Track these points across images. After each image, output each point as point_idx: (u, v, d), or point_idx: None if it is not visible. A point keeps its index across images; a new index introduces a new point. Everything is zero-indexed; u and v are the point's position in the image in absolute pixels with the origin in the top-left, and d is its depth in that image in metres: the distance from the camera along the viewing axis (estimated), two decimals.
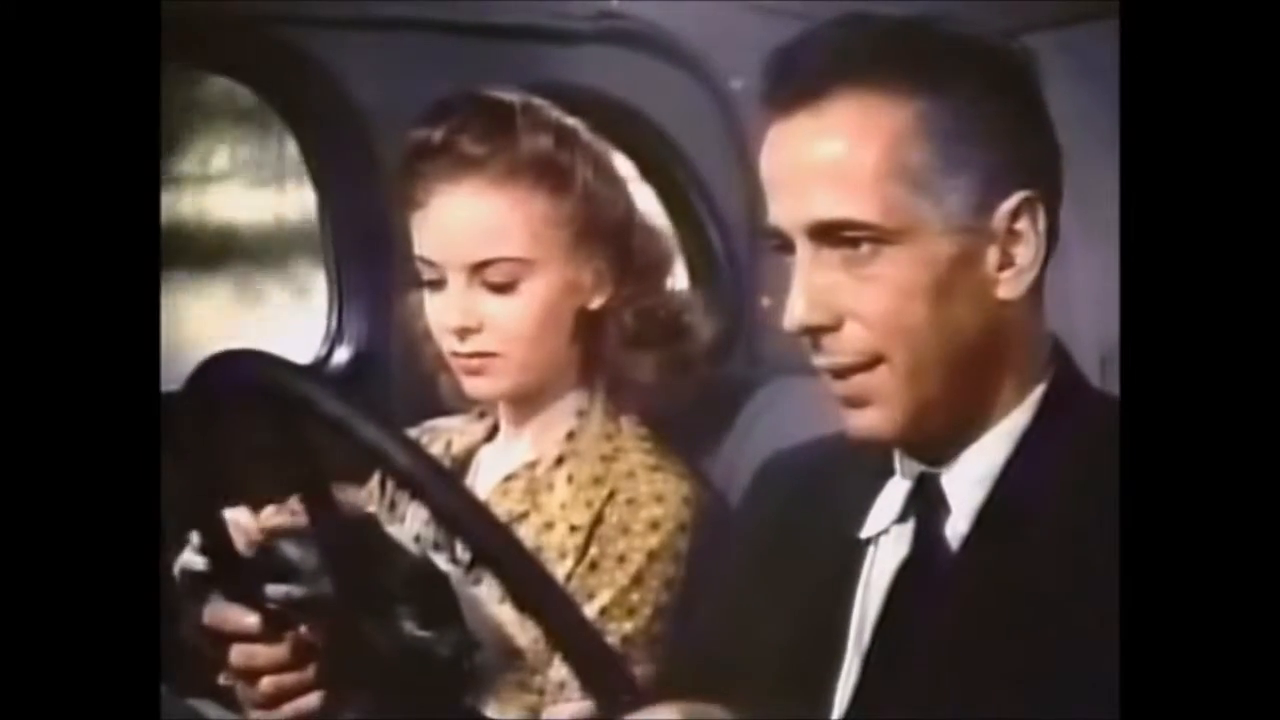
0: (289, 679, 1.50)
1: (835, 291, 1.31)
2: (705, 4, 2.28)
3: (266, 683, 1.51)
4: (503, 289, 1.76)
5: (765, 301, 2.27)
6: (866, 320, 1.31)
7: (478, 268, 1.75)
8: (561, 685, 1.65)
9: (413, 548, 1.56)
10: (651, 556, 1.72)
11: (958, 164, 1.30)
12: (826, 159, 1.30)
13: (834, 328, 1.32)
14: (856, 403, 1.33)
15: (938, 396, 1.32)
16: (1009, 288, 1.32)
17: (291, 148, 2.27)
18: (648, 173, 2.30)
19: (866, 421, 1.33)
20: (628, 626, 1.70)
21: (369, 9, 2.12)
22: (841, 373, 1.33)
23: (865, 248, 1.30)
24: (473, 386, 1.80)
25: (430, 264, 1.78)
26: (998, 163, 1.31)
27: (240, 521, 1.53)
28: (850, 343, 1.31)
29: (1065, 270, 1.37)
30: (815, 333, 1.32)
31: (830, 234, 1.30)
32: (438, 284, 1.78)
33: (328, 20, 2.11)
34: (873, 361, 1.31)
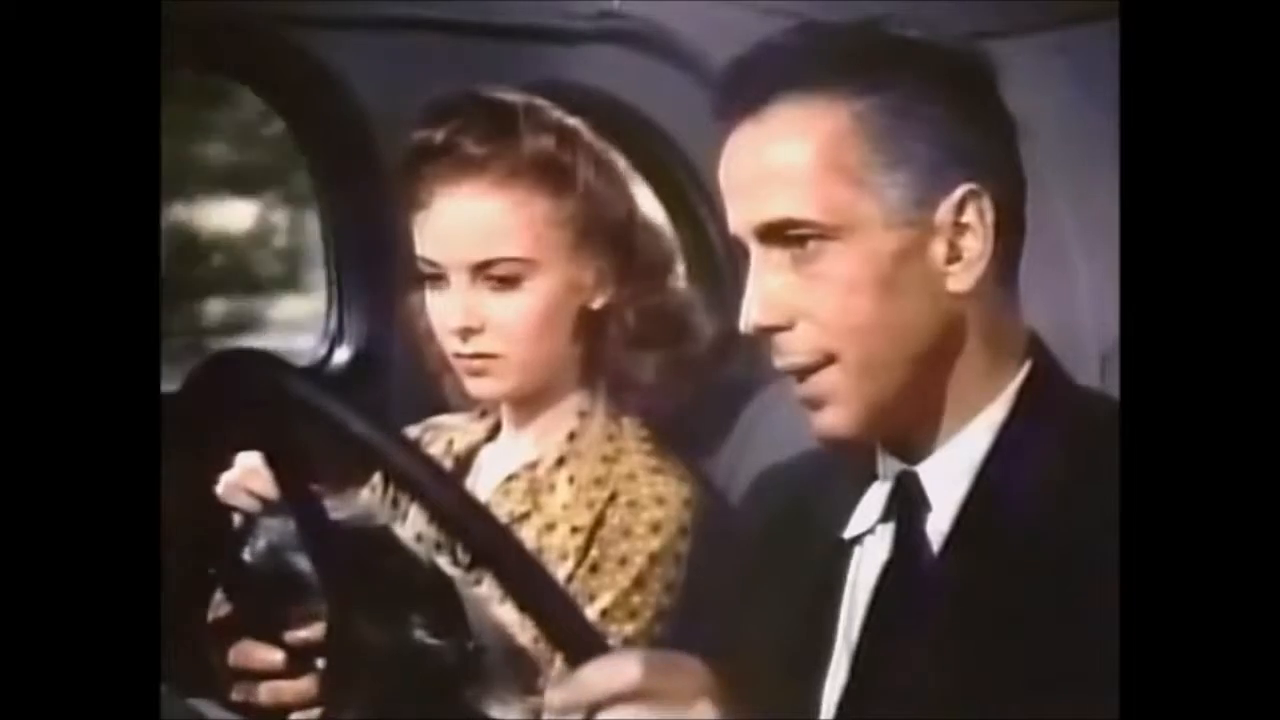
0: (316, 713, 1.51)
1: (786, 291, 1.33)
2: (705, 4, 2.27)
3: (296, 718, 1.52)
4: (505, 289, 1.76)
5: None
6: (817, 318, 1.33)
7: (480, 268, 1.75)
8: None
9: (421, 554, 1.56)
10: (653, 559, 1.72)
11: (897, 159, 1.32)
12: (767, 162, 1.33)
13: (787, 327, 1.34)
14: (816, 403, 1.35)
15: (895, 392, 1.33)
16: (958, 280, 1.33)
17: (292, 147, 2.27)
18: (647, 173, 2.29)
19: (827, 420, 1.35)
20: (629, 629, 1.70)
21: (369, 9, 2.12)
22: (799, 374, 1.34)
23: (811, 245, 1.32)
24: (475, 387, 1.80)
25: (432, 264, 1.78)
26: (939, 157, 1.32)
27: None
28: (803, 342, 1.33)
29: (1065, 270, 1.37)
30: (770, 333, 1.34)
31: (776, 234, 1.33)
32: (440, 284, 1.78)
33: (328, 20, 2.11)
34: (826, 360, 1.33)
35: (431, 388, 1.90)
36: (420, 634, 1.47)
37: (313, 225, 2.29)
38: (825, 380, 1.33)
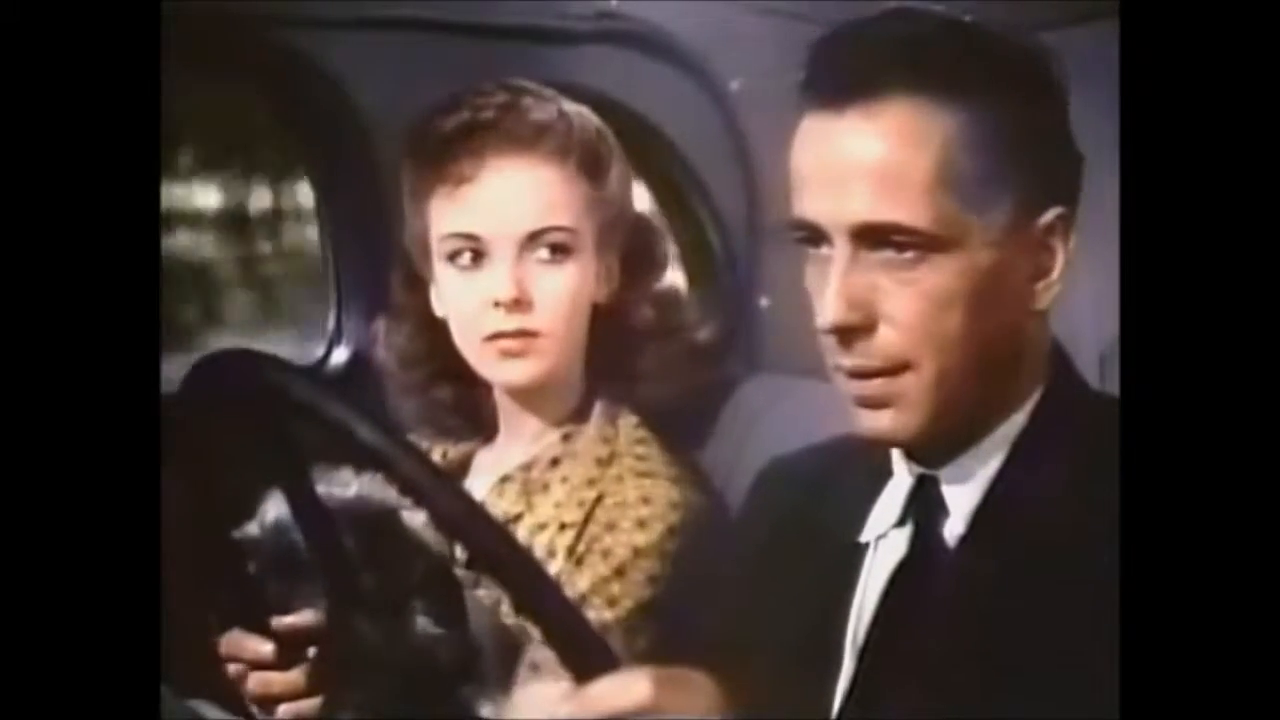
0: (305, 705, 1.50)
1: (873, 294, 1.30)
2: (705, 4, 2.27)
3: (284, 710, 1.51)
4: (552, 263, 1.77)
5: (764, 302, 2.28)
6: (901, 325, 1.29)
7: (531, 238, 1.76)
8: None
9: (429, 543, 1.55)
10: (637, 553, 1.72)
11: (1004, 175, 1.29)
12: (878, 161, 1.28)
13: (867, 330, 1.30)
14: (875, 404, 1.32)
15: (960, 402, 1.32)
16: (1040, 299, 1.33)
17: (292, 148, 2.27)
18: (646, 173, 2.30)
19: (882, 423, 1.32)
20: (607, 615, 1.70)
21: (369, 9, 2.11)
22: (865, 374, 1.31)
23: (909, 253, 1.29)
24: (507, 371, 1.79)
25: (473, 239, 1.77)
26: (1037, 176, 1.31)
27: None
28: (882, 347, 1.30)
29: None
30: (847, 333, 1.31)
31: (875, 236, 1.29)
32: (477, 262, 1.78)
33: (327, 21, 2.10)
34: (900, 367, 1.30)
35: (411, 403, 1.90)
36: (422, 622, 1.47)
37: (311, 225, 2.29)
38: (896, 385, 1.31)
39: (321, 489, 1.44)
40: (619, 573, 1.72)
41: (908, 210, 1.28)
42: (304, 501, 1.41)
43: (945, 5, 1.35)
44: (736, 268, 2.34)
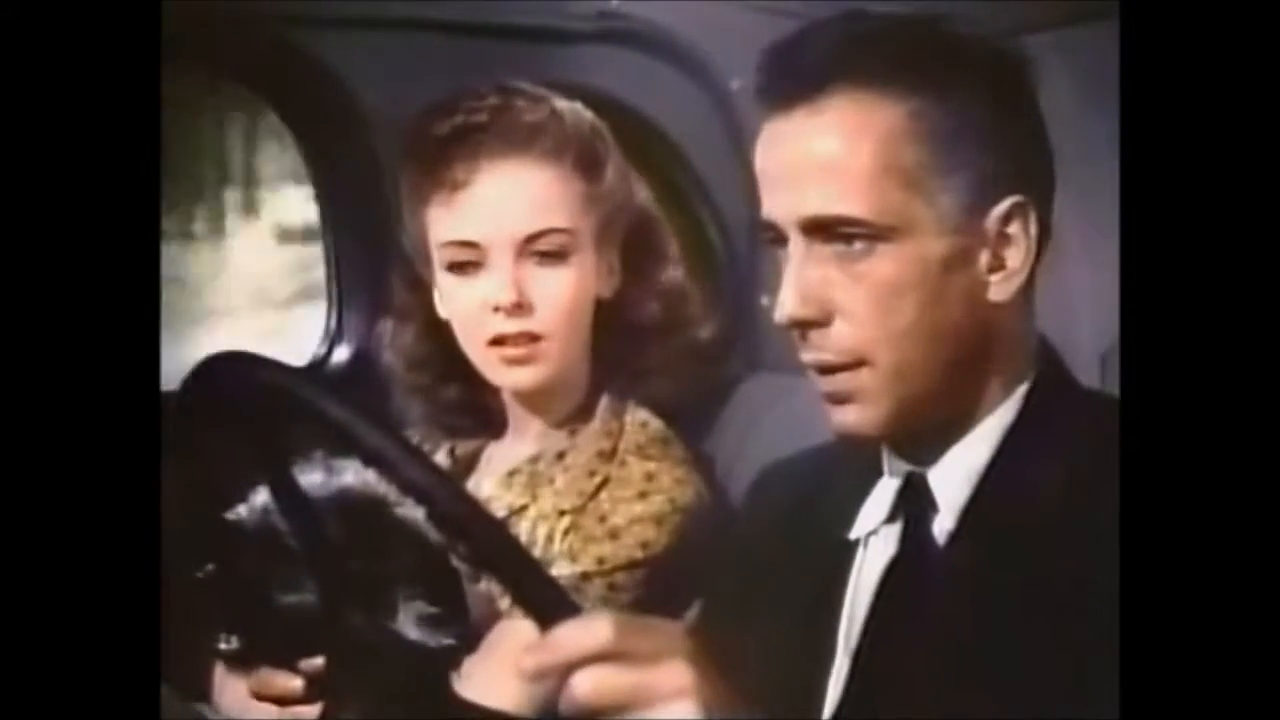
0: None
1: (827, 287, 1.31)
2: (705, 4, 2.28)
3: None
4: (550, 264, 1.77)
5: (765, 301, 2.28)
6: (856, 317, 1.31)
7: (528, 241, 1.76)
8: None
9: (425, 533, 1.55)
10: (634, 519, 1.74)
11: (952, 165, 1.31)
12: (822, 155, 1.31)
13: (823, 323, 1.32)
14: (840, 399, 1.34)
15: (923, 395, 1.33)
16: (999, 290, 1.33)
17: (292, 147, 2.27)
18: (646, 173, 2.30)
19: (850, 418, 1.34)
20: (593, 577, 1.71)
21: (369, 9, 2.12)
22: (827, 369, 1.33)
23: (858, 244, 1.30)
24: (512, 377, 1.79)
25: (472, 245, 1.77)
26: (991, 166, 1.32)
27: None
28: (838, 341, 1.32)
29: (1065, 270, 1.37)
30: (804, 327, 1.33)
31: (823, 229, 1.31)
32: (474, 269, 1.78)
33: (328, 20, 2.11)
34: (858, 361, 1.32)
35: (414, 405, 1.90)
36: (419, 612, 1.46)
37: (312, 223, 2.29)
38: (856, 379, 1.32)
39: (317, 478, 1.44)
40: (612, 536, 1.73)
41: (850, 201, 1.30)
42: (288, 493, 1.40)
43: (945, 5, 1.35)
44: (737, 267, 2.34)
